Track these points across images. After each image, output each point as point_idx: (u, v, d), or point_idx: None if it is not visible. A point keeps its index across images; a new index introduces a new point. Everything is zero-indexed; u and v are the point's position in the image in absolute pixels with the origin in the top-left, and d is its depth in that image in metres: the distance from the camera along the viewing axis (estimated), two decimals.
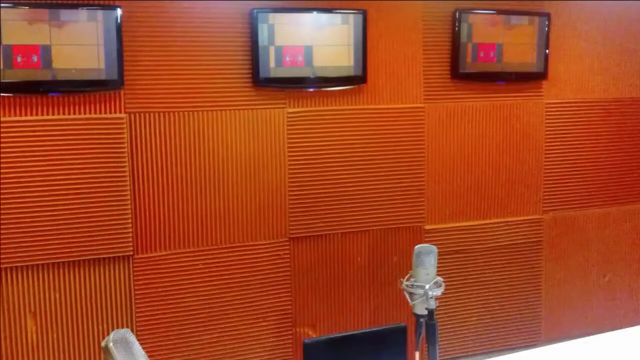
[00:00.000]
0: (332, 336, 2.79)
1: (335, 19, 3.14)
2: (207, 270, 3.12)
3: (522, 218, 3.71)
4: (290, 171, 3.21)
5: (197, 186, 3.06)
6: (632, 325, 2.56)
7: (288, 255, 3.27)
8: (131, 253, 2.97)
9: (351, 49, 3.18)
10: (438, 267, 2.45)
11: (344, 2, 3.17)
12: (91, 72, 2.79)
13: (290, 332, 3.32)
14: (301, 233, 3.27)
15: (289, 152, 3.19)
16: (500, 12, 3.46)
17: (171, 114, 2.98)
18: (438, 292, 2.37)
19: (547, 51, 3.57)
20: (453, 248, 3.57)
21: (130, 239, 2.96)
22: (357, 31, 3.17)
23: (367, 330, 2.83)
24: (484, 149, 3.57)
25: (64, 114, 2.81)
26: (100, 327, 2.97)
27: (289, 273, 3.28)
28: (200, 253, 3.10)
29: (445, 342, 3.60)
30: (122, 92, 2.88)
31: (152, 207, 2.99)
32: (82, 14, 2.74)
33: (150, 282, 3.03)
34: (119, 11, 2.79)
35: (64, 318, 2.91)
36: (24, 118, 2.75)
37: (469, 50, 3.41)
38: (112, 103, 2.87)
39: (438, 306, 2.33)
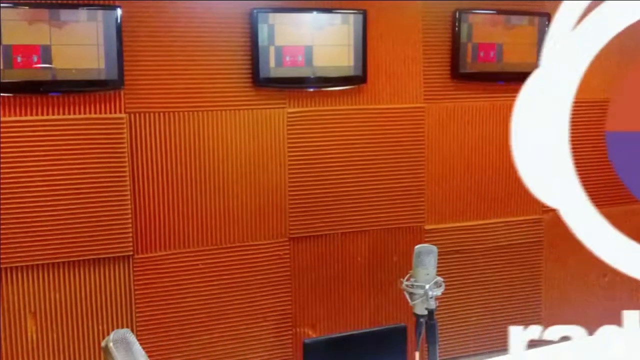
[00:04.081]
0: (332, 336, 2.80)
1: (335, 19, 3.13)
2: (207, 270, 3.12)
3: (522, 218, 3.71)
4: (290, 171, 3.21)
5: (197, 186, 3.06)
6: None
7: (288, 255, 3.26)
8: (131, 253, 2.97)
9: (351, 49, 3.18)
10: (438, 267, 2.45)
11: (344, 2, 3.17)
12: (91, 72, 2.79)
13: (290, 332, 3.32)
14: (301, 233, 3.27)
15: (289, 152, 3.19)
16: (500, 12, 3.45)
17: (171, 114, 2.98)
18: (438, 292, 2.36)
19: None
20: (453, 248, 3.57)
21: (130, 239, 2.96)
22: (357, 31, 3.17)
23: (367, 330, 2.83)
24: (483, 149, 3.57)
25: (64, 114, 2.81)
26: (100, 327, 2.97)
27: (289, 273, 3.28)
28: (200, 253, 3.10)
29: (446, 342, 3.59)
30: (122, 92, 2.88)
31: (152, 207, 2.99)
32: (82, 14, 2.74)
33: (150, 282, 3.03)
34: (119, 11, 2.78)
35: (64, 318, 2.91)
36: (24, 118, 2.75)
37: (469, 50, 3.41)
38: (112, 103, 2.87)
39: (438, 306, 2.33)
